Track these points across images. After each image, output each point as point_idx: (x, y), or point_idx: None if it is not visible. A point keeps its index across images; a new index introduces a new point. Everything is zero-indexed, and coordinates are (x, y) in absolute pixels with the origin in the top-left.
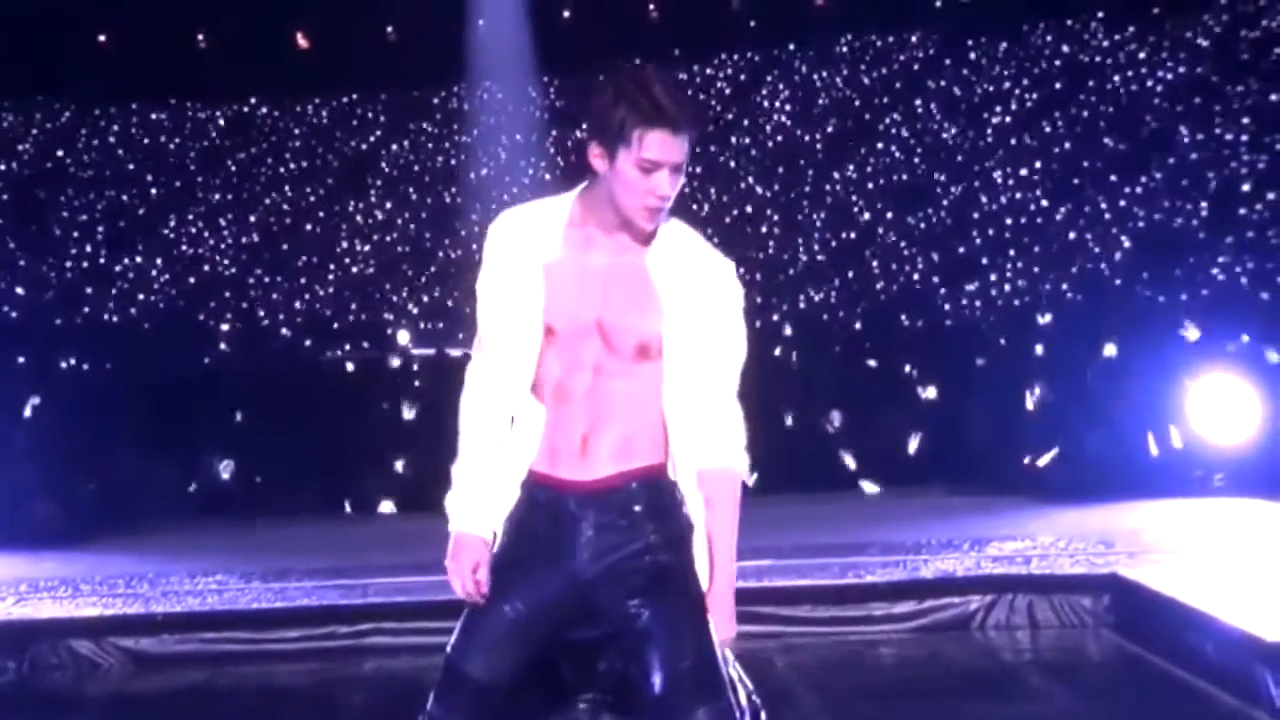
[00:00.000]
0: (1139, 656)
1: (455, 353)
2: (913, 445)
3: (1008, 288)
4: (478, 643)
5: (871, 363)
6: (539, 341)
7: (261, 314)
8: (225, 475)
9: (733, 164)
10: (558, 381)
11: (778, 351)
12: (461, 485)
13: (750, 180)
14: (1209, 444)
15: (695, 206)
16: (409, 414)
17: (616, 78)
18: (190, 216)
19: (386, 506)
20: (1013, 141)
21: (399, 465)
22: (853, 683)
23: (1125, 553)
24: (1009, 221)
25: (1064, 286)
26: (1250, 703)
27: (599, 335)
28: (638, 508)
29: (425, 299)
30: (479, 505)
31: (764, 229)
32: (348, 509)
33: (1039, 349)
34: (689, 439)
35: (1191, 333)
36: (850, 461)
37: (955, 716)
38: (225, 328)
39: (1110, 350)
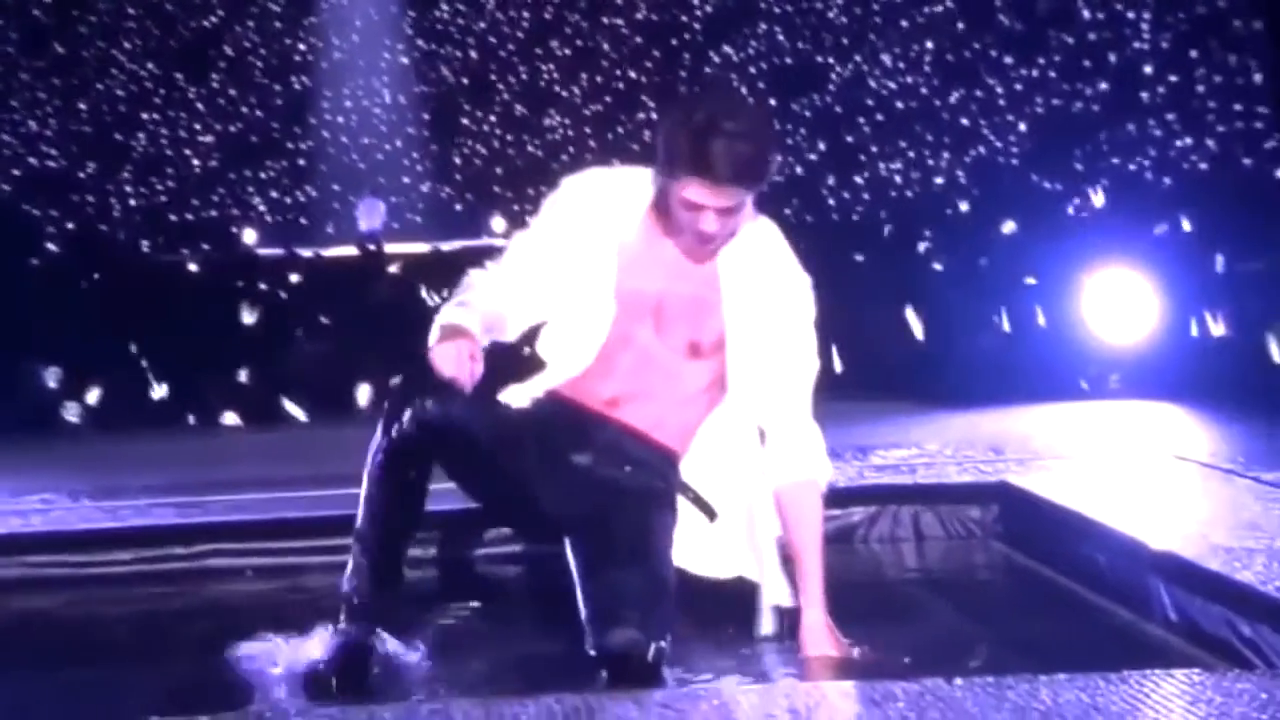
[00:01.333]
0: (1029, 569)
1: (306, 253)
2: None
3: (899, 179)
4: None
5: None
6: (604, 316)
7: (93, 211)
8: (53, 385)
9: (605, 46)
10: (603, 351)
11: None
12: (451, 308)
13: (623, 65)
14: (1105, 343)
15: (565, 93)
16: (255, 320)
17: (682, 113)
18: (13, 104)
19: (230, 418)
20: (903, 22)
21: (243, 375)
22: (724, 600)
23: (1015, 459)
24: (899, 106)
25: (958, 175)
26: (1143, 615)
27: (653, 323)
28: (642, 459)
29: (274, 195)
30: (472, 316)
31: (640, 115)
32: (191, 421)
33: (928, 243)
34: (758, 453)
35: (1098, 198)
36: None
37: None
38: (53, 227)
39: (1009, 227)
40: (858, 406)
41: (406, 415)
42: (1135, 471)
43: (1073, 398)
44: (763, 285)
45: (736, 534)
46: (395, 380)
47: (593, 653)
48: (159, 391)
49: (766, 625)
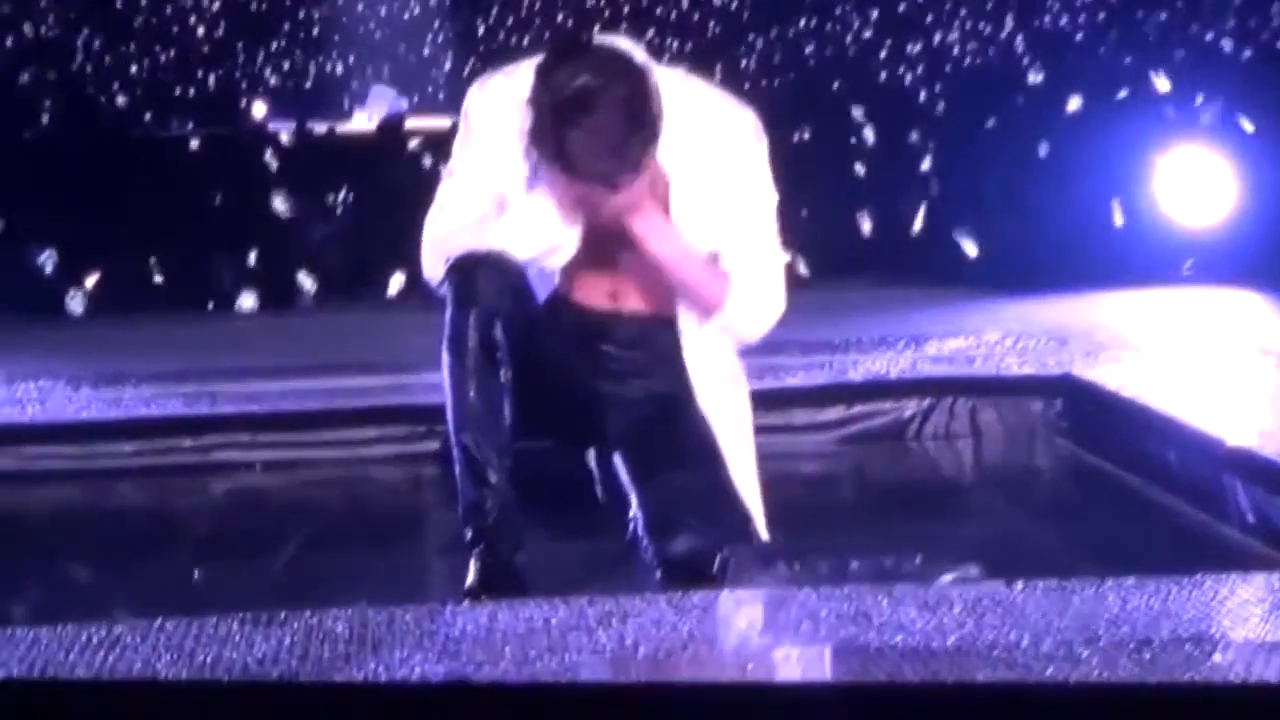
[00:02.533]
0: (1095, 467)
1: (320, 128)
2: (865, 226)
3: (956, 50)
4: None
5: (799, 137)
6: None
7: (91, 83)
8: (49, 270)
9: None
10: (583, 246)
11: None
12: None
13: None
14: (1178, 226)
15: None
16: (265, 198)
17: (546, 91)
18: None
19: (247, 301)
20: None
21: (254, 257)
22: (769, 500)
23: (1081, 350)
24: None
25: (1018, 44)
26: (1218, 515)
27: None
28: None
29: (285, 65)
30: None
31: None
32: (201, 306)
33: (991, 119)
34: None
35: (1162, 82)
36: None
37: (887, 537)
38: (48, 99)
39: (1075, 104)
40: (912, 293)
41: (481, 300)
42: (1210, 363)
43: (1144, 285)
44: (700, 143)
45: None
46: (454, 262)
47: (652, 561)
48: (162, 276)
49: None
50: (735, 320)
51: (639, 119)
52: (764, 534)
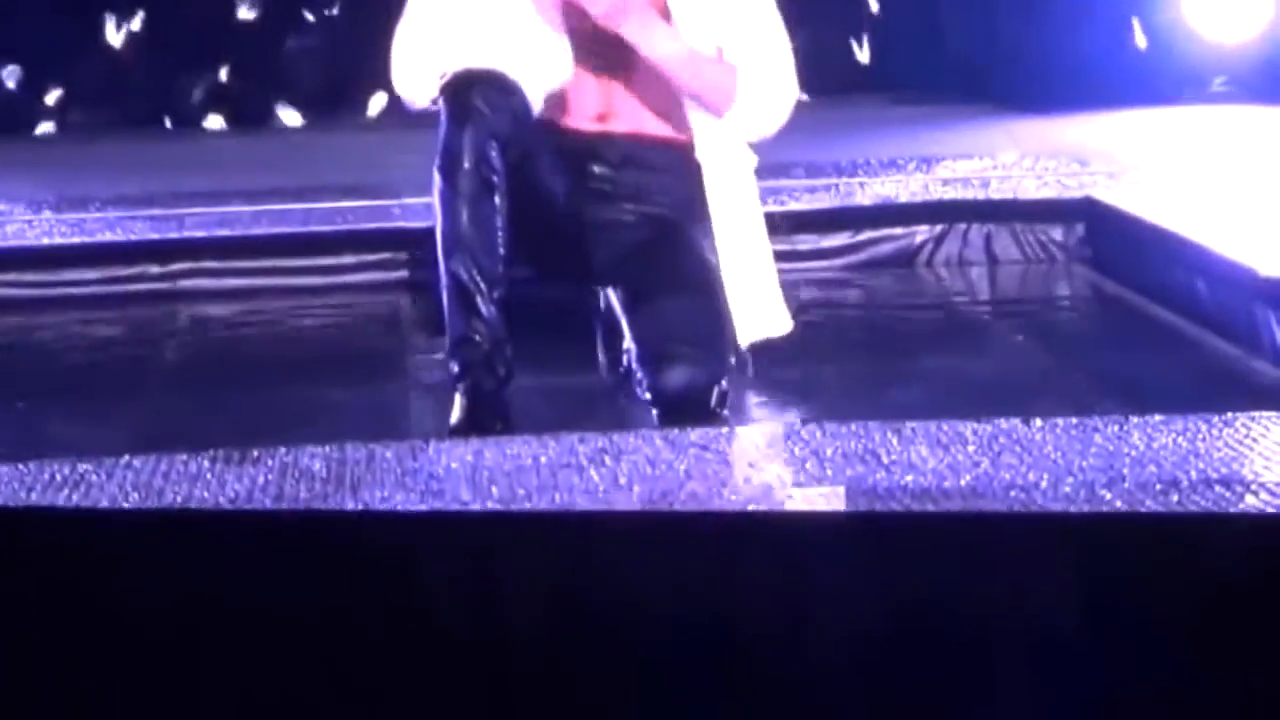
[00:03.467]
0: (1118, 296)
1: None
2: (859, 50)
3: None
4: None
5: None
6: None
7: None
8: (11, 84)
9: None
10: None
11: None
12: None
13: None
14: (1207, 40)
15: None
16: (241, 11)
17: None
18: None
19: (214, 121)
20: None
21: (225, 73)
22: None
23: (1103, 172)
24: None
25: None
26: (1249, 348)
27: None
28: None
29: None
30: None
31: None
32: (167, 124)
33: None
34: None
35: None
36: None
37: (897, 371)
38: None
39: None
40: (921, 110)
41: (478, 112)
42: (1243, 187)
43: (1171, 103)
44: None
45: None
46: (449, 79)
47: (646, 396)
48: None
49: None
50: (749, 114)
51: None
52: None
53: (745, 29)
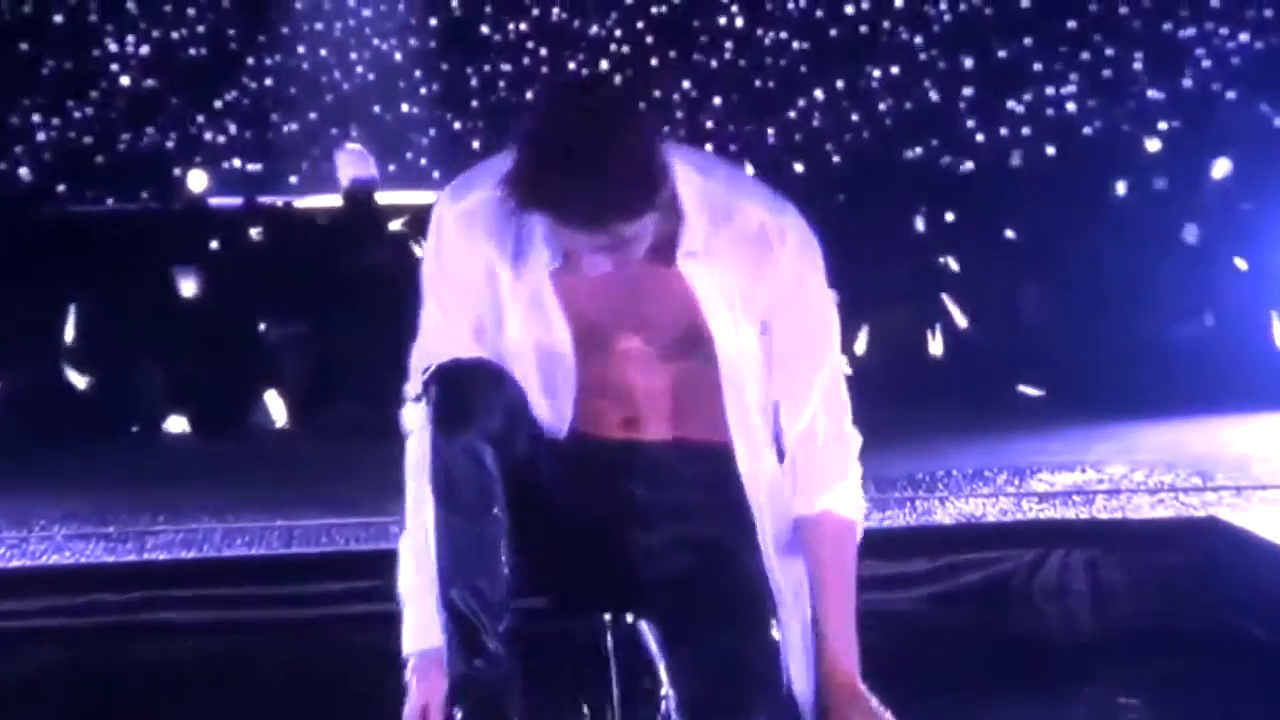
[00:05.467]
0: (1248, 635)
1: (275, 201)
2: (933, 340)
3: (1071, 105)
4: None
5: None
6: (563, 348)
7: None
8: None
9: None
10: (586, 380)
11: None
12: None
13: None
14: None
15: None
16: (197, 292)
17: (530, 138)
18: None
19: (176, 424)
20: None
21: (192, 367)
22: None
23: (1230, 488)
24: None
25: (1151, 100)
26: None
27: (621, 332)
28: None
29: (230, 125)
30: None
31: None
32: (128, 429)
33: (1120, 186)
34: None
35: None
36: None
37: None
38: None
39: (1222, 168)
40: (1017, 414)
41: (469, 421)
42: None
43: None
44: (733, 253)
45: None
46: (435, 372)
47: None
48: (81, 384)
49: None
50: (853, 513)
51: (638, 161)
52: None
53: (807, 374)
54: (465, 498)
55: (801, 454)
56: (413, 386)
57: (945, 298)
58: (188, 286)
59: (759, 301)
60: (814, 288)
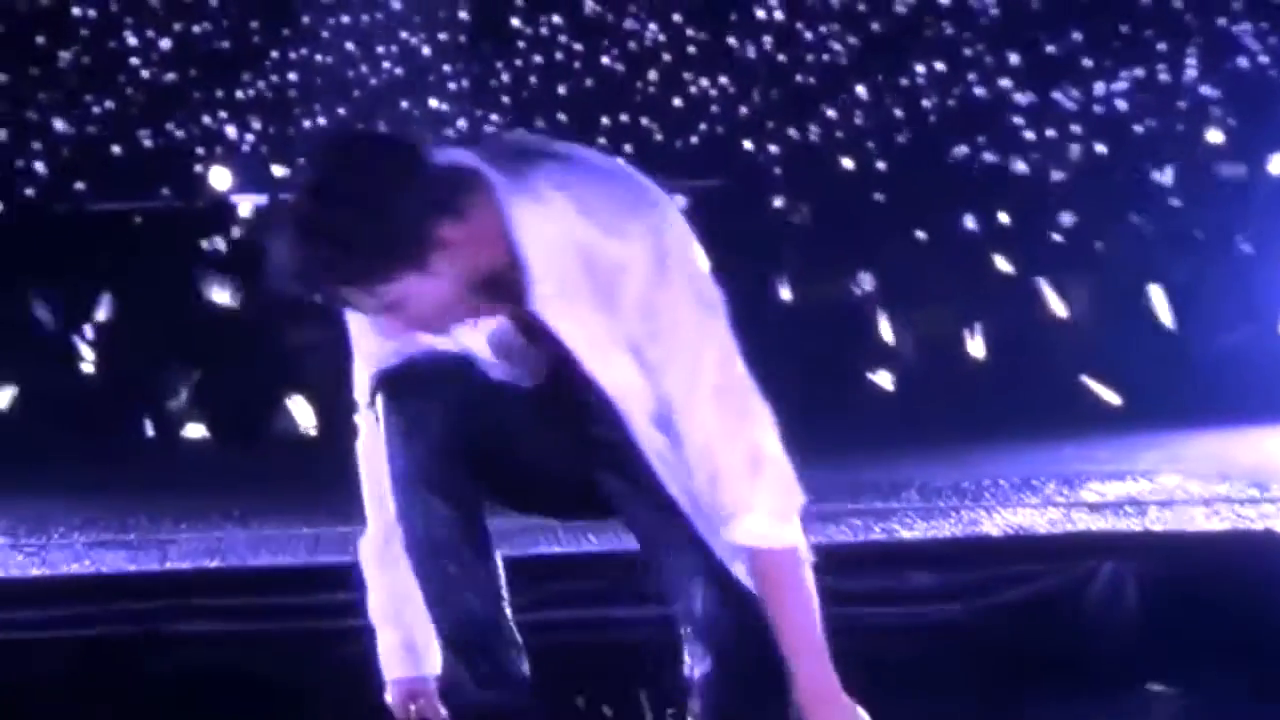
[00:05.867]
0: None
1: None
2: (974, 341)
3: (1121, 103)
4: None
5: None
6: None
7: (6, 143)
8: None
9: None
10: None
11: (778, 203)
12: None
13: None
14: None
15: None
16: (227, 295)
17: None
18: None
19: (194, 430)
20: None
21: (215, 371)
22: (880, 686)
23: None
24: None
25: (1205, 93)
26: None
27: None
28: None
29: (253, 121)
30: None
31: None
32: (148, 433)
33: (1164, 173)
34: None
35: None
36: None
37: None
38: None
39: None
40: (1064, 422)
41: (427, 425)
42: None
43: None
44: (586, 289)
45: None
46: (380, 378)
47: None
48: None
49: None
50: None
51: (336, 227)
52: None
53: (692, 395)
54: (435, 510)
55: (703, 476)
56: (359, 394)
57: (1042, 282)
58: (210, 288)
59: (621, 331)
60: (667, 307)
